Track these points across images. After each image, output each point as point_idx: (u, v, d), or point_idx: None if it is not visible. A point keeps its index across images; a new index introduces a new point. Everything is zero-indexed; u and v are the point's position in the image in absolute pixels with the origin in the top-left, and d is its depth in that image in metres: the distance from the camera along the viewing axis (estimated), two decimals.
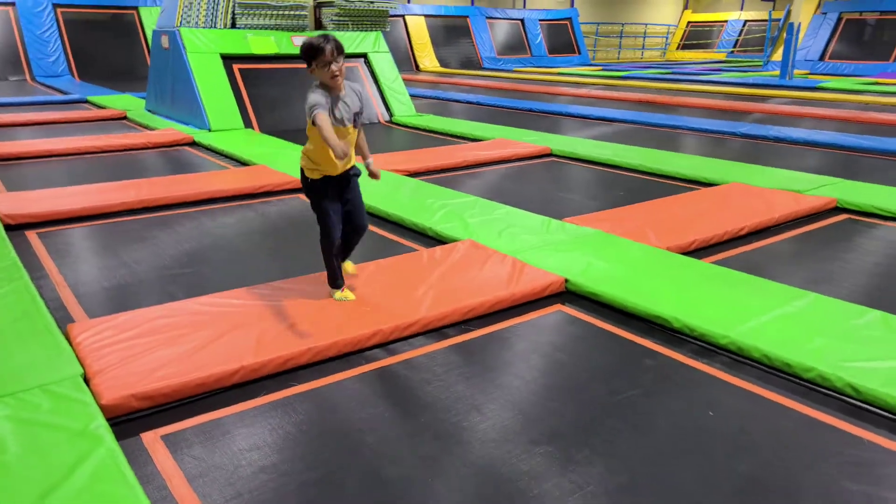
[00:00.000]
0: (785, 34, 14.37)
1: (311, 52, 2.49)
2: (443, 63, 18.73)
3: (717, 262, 3.47)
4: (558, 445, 1.95)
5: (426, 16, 18.93)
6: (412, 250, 3.59)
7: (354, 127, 2.69)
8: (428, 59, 18.56)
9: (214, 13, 8.07)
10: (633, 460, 1.90)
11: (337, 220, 2.72)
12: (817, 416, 2.12)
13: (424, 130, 8.10)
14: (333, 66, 2.49)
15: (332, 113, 2.55)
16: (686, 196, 4.62)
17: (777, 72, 15.23)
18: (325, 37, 2.50)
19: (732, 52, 24.55)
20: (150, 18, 14.48)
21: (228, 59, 7.96)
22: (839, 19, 17.80)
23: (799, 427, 2.07)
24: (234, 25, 8.27)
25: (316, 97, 2.49)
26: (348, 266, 3.01)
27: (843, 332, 2.51)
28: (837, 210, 4.53)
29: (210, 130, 7.35)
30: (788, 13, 14.18)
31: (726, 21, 25.36)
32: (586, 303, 2.97)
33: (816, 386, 2.26)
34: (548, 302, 2.98)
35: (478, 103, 11.14)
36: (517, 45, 20.31)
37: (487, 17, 20.00)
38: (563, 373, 2.41)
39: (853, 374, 2.22)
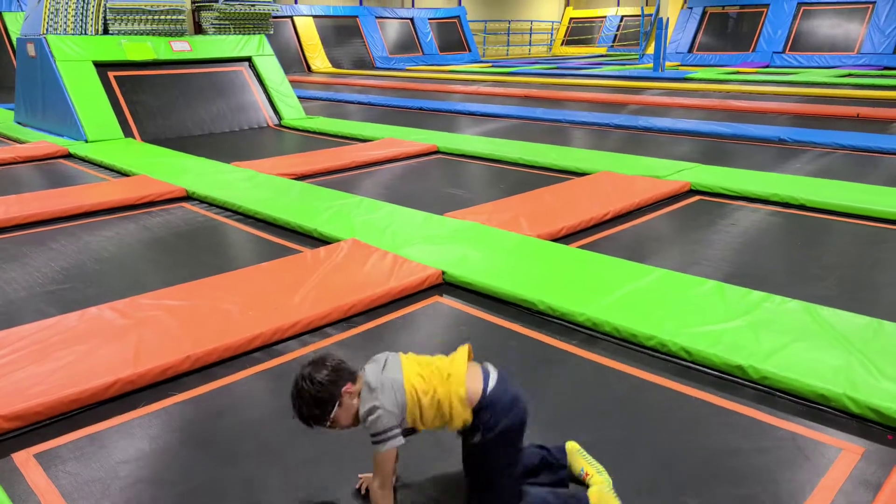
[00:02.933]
0: (655, 29, 15.40)
1: None
2: (335, 63, 18.61)
3: (583, 247, 3.78)
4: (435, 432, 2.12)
5: (315, 16, 18.73)
6: (298, 252, 3.66)
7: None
8: (319, 59, 18.39)
9: (84, 19, 7.68)
10: None
11: None
12: (655, 380, 2.41)
13: (314, 133, 8.10)
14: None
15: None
16: (558, 186, 4.95)
17: (651, 64, 16.30)
18: (294, 408, 1.69)
19: (612, 46, 25.93)
20: (15, 24, 13.46)
21: (103, 67, 7.60)
22: (704, 13, 19.25)
23: (638, 391, 2.34)
24: (106, 31, 7.91)
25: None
26: None
27: (682, 302, 2.84)
28: (691, 192, 5.01)
29: (87, 141, 7.01)
30: (658, 9, 15.20)
31: (605, 17, 26.75)
32: (462, 293, 3.17)
33: (657, 352, 2.56)
34: (426, 294, 3.16)
35: (370, 104, 11.22)
36: (408, 44, 20.52)
37: (377, 17, 20.06)
38: None
39: (687, 338, 2.53)
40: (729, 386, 2.33)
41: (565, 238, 3.94)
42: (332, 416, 1.61)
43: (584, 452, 1.84)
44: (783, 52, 17.24)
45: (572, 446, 1.85)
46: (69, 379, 2.26)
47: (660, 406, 2.24)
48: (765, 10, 17.90)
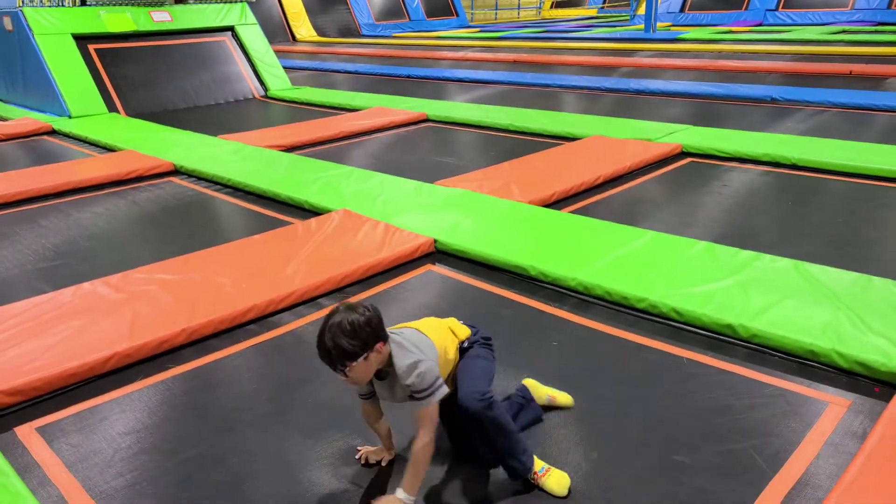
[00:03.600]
0: None
1: None
2: (320, 32, 18.26)
3: (575, 211, 3.79)
4: None
5: None
6: (289, 224, 3.64)
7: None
8: (304, 28, 18.03)
9: None
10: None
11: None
12: (647, 341, 2.43)
13: (301, 104, 8.00)
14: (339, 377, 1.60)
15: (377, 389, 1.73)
16: (550, 151, 4.93)
17: (643, 25, 16.08)
18: (321, 338, 1.58)
19: (603, 7, 25.54)
20: None
21: (82, 40, 7.45)
22: None
23: (630, 353, 2.37)
24: (83, 3, 7.72)
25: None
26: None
27: (673, 264, 2.86)
28: (683, 154, 5.00)
29: (70, 117, 6.91)
30: None
31: None
32: (454, 260, 3.18)
33: (648, 314, 2.59)
34: (419, 263, 3.16)
35: (357, 72, 11.06)
36: (395, 11, 20.12)
37: None
38: None
39: (677, 299, 2.55)
40: (719, 345, 2.36)
41: (557, 203, 3.94)
42: (361, 359, 1.54)
43: (538, 383, 2.04)
44: (776, 9, 17.01)
45: (529, 382, 2.03)
46: (67, 353, 2.27)
47: (651, 367, 2.27)
48: None
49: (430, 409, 1.59)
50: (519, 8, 27.01)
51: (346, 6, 19.13)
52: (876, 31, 13.04)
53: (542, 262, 2.93)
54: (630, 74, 9.58)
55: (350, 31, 18.85)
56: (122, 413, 2.11)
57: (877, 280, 2.61)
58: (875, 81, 7.95)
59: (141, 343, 2.36)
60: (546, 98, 7.90)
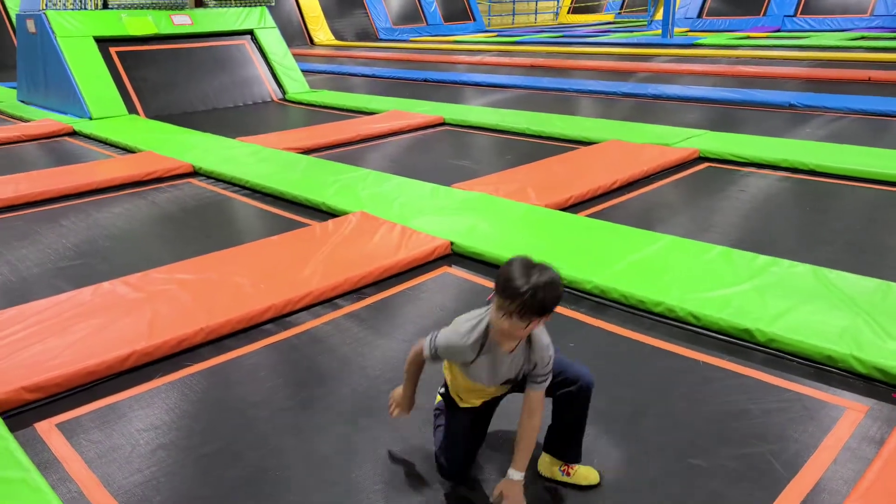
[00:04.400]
0: None
1: (499, 281, 1.48)
2: (338, 36, 18.39)
3: (592, 215, 3.78)
4: None
5: None
6: (306, 226, 3.68)
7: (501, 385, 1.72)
8: (322, 32, 18.17)
9: None
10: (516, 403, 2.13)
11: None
12: (664, 345, 2.42)
13: (318, 106, 8.06)
14: (510, 321, 1.47)
15: (468, 361, 1.63)
16: (566, 155, 4.93)
17: (660, 31, 16.02)
18: (533, 271, 1.45)
19: (620, 13, 25.47)
20: (14, 2, 13.35)
21: (104, 42, 7.56)
22: None
23: (647, 357, 2.37)
24: (105, 6, 7.85)
25: (461, 333, 1.59)
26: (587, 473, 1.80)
27: (690, 268, 2.85)
28: (700, 160, 4.98)
29: (91, 119, 7.01)
30: None
31: None
32: (471, 263, 3.19)
33: (665, 318, 2.58)
34: (436, 265, 3.18)
35: (375, 76, 11.12)
36: (412, 15, 20.21)
37: None
38: None
39: (694, 304, 2.55)
40: (737, 350, 2.34)
41: (574, 207, 3.93)
42: (534, 321, 1.48)
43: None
44: (794, 15, 16.87)
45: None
46: (86, 351, 2.31)
47: (668, 371, 2.26)
48: None
49: (541, 394, 1.64)
50: (536, 13, 27.01)
51: (363, 10, 19.24)
52: (895, 38, 12.90)
53: (559, 264, 2.90)
54: (647, 79, 9.54)
55: (368, 34, 18.96)
56: (141, 410, 2.14)
57: (894, 286, 2.58)
58: (894, 88, 7.86)
59: (160, 342, 2.39)
60: (563, 102, 7.89)
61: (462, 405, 1.75)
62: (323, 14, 18.37)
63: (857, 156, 4.60)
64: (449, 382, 1.78)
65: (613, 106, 7.59)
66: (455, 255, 3.26)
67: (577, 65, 11.28)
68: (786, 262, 2.84)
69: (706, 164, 4.87)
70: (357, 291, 2.92)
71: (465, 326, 1.60)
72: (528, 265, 1.46)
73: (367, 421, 2.03)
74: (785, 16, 16.91)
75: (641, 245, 3.11)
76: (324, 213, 3.97)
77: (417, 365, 1.76)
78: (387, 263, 3.03)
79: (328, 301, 2.83)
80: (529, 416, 1.62)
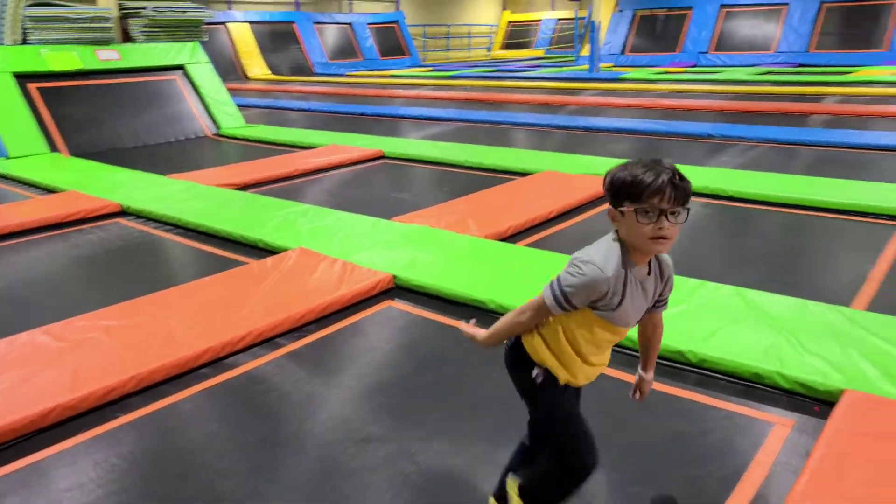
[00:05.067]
0: (589, 31, 15.82)
1: (629, 188, 1.33)
2: (273, 70, 18.33)
3: (531, 245, 3.87)
4: (391, 437, 2.13)
5: (250, 22, 18.40)
6: (243, 264, 3.60)
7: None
8: (257, 67, 18.06)
9: None
10: (470, 436, 2.13)
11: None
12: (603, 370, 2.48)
13: (255, 141, 7.97)
14: (664, 221, 1.33)
15: (615, 303, 1.40)
16: (504, 186, 5.04)
17: (587, 66, 16.72)
18: (656, 165, 1.34)
19: (549, 49, 26.48)
20: None
21: (23, 78, 7.27)
22: (634, 16, 19.87)
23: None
24: (25, 41, 7.56)
25: (596, 265, 1.37)
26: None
27: None
28: None
29: (8, 158, 6.69)
30: (590, 12, 15.61)
31: (541, 20, 27.28)
32: (414, 296, 3.19)
33: None
34: (378, 299, 3.16)
35: (312, 110, 11.11)
36: (348, 50, 20.39)
37: (315, 23, 19.85)
38: (394, 366, 2.59)
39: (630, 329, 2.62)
40: (672, 372, 2.43)
41: (513, 237, 4.01)
42: (684, 212, 1.36)
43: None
44: (708, 52, 17.98)
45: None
46: (4, 408, 2.16)
47: (607, 397, 2.31)
48: (689, 12, 18.62)
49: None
50: (470, 48, 27.74)
51: (298, 45, 19.27)
52: (798, 72, 13.89)
53: (500, 294, 2.97)
54: (577, 112, 9.91)
55: (303, 69, 18.96)
56: (66, 468, 2.01)
57: (811, 304, 2.75)
58: (801, 118, 8.45)
59: (85, 393, 2.27)
60: (498, 135, 8.09)
61: (577, 382, 1.53)
62: (257, 48, 18.29)
63: (771, 182, 4.91)
64: (556, 360, 1.47)
65: (547, 138, 7.84)
66: (398, 289, 3.26)
67: (510, 98, 11.62)
68: (712, 284, 2.98)
69: None
70: (298, 329, 2.87)
71: (596, 258, 1.35)
72: (643, 161, 1.34)
73: (313, 460, 1.98)
74: (699, 52, 17.99)
75: None
76: (262, 251, 3.90)
77: (527, 325, 1.46)
78: (328, 299, 2.99)
79: (268, 341, 2.77)
80: (656, 329, 1.64)
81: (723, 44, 17.97)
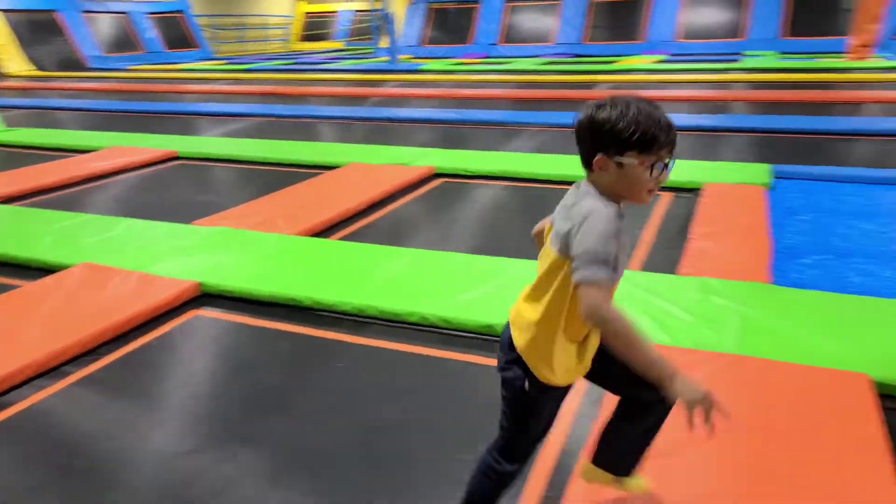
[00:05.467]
0: (385, 23, 16.07)
1: (641, 135, 1.20)
2: (38, 66, 16.07)
3: (344, 238, 3.86)
4: (214, 447, 2.02)
5: (3, 10, 15.91)
6: (15, 288, 3.14)
7: None
8: (14, 62, 15.71)
9: None
10: (290, 438, 2.07)
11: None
12: (422, 350, 2.58)
13: (19, 147, 6.94)
14: (665, 172, 1.25)
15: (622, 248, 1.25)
16: (310, 182, 4.96)
17: (387, 58, 16.99)
18: (655, 110, 1.22)
19: (349, 41, 26.44)
20: None
21: None
22: (428, 8, 20.58)
23: (408, 364, 2.50)
24: None
25: (614, 223, 1.22)
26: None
27: (438, 277, 3.07)
28: (436, 176, 5.40)
29: None
30: (385, 4, 15.85)
31: (337, 12, 27.11)
32: (223, 301, 3.03)
33: (420, 326, 2.74)
34: (183, 309, 2.95)
35: (89, 109, 9.95)
36: (126, 42, 18.54)
37: (83, 11, 17.74)
38: (208, 376, 2.45)
39: (444, 309, 2.75)
40: (486, 344, 2.59)
41: (324, 232, 3.97)
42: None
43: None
44: (497, 43, 19.25)
45: None
46: None
47: (431, 374, 2.41)
48: (477, 6, 19.74)
49: None
50: (267, 41, 26.69)
51: (63, 36, 17.08)
52: (575, 62, 15.44)
53: (315, 290, 2.94)
54: (380, 104, 10.04)
55: (74, 64, 16.87)
56: None
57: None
58: (578, 104, 9.37)
59: None
60: (301, 129, 7.92)
61: (568, 380, 1.38)
62: (15, 40, 15.90)
63: (561, 163, 5.42)
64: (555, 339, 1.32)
65: (351, 130, 7.84)
66: (205, 296, 3.07)
67: (312, 91, 11.42)
68: (516, 260, 3.23)
69: (442, 180, 5.30)
70: (92, 352, 2.58)
71: (605, 214, 1.21)
72: (635, 103, 1.21)
73: (133, 489, 1.81)
74: (489, 44, 19.19)
75: (392, 261, 3.26)
76: (38, 271, 3.42)
77: (626, 327, 1.19)
78: (124, 316, 2.73)
79: (55, 370, 2.45)
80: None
81: (510, 36, 19.33)
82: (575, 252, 1.23)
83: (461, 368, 2.44)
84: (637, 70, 12.93)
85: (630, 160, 1.22)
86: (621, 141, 1.21)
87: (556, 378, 1.36)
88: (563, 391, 1.41)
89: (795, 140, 6.35)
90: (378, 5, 16.96)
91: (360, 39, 26.13)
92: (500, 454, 1.47)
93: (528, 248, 3.67)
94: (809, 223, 3.82)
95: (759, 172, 4.76)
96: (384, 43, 19.19)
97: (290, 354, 2.58)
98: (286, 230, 3.79)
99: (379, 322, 2.79)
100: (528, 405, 1.39)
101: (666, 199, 4.49)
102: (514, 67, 14.31)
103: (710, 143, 6.34)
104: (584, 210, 1.25)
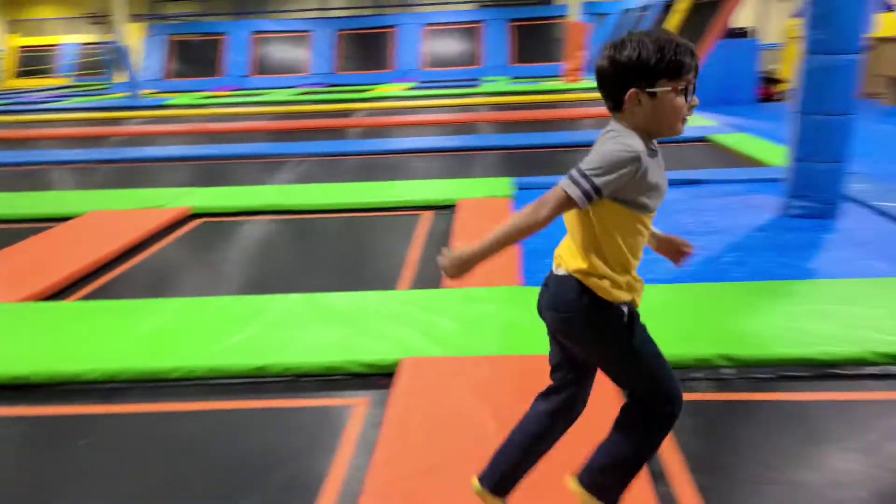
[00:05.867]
0: (118, 57, 14.71)
1: (667, 64, 1.23)
2: None
3: (88, 296, 3.43)
4: None
5: None
6: None
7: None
8: None
9: None
10: None
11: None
12: (190, 406, 2.39)
13: None
14: (695, 100, 1.28)
15: (646, 185, 1.30)
16: (39, 237, 4.31)
17: (128, 93, 15.54)
18: (671, 35, 1.25)
19: (77, 75, 23.65)
20: None
21: None
22: (169, 41, 19.32)
23: (174, 424, 2.29)
24: None
25: (625, 153, 1.24)
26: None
27: (204, 325, 2.87)
28: (194, 216, 5.05)
29: None
30: (118, 37, 14.51)
31: (59, 45, 24.14)
32: None
33: (187, 380, 2.52)
34: None
35: None
36: None
37: None
38: None
39: (211, 358, 2.57)
40: (257, 386, 2.48)
41: (60, 294, 3.48)
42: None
43: None
44: (249, 75, 18.78)
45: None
46: None
47: (199, 433, 2.23)
48: (222, 37, 19.08)
49: None
50: None
51: None
52: (330, 91, 15.68)
53: (51, 363, 2.56)
54: (124, 143, 9.14)
55: None
56: None
57: (368, 294, 3.16)
58: (337, 132, 9.53)
59: None
60: (26, 178, 6.86)
61: (626, 297, 1.37)
62: None
63: (324, 192, 5.43)
64: (611, 262, 1.36)
65: (89, 175, 7.01)
66: None
67: (36, 134, 9.99)
68: (283, 296, 3.15)
69: (202, 220, 4.98)
70: None
71: (618, 142, 1.26)
72: (654, 35, 1.25)
73: None
74: (241, 76, 18.66)
75: (148, 315, 2.97)
76: None
77: (542, 225, 1.31)
78: None
79: None
80: None
81: (263, 67, 19.00)
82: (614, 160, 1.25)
83: (229, 416, 2.31)
84: (390, 97, 13.54)
85: (663, 88, 1.25)
86: (651, 70, 1.24)
87: (617, 291, 1.36)
88: (634, 312, 1.40)
89: (531, 154, 7.19)
90: (109, 37, 15.47)
91: (90, 74, 23.48)
92: (654, 401, 1.40)
93: (299, 279, 3.62)
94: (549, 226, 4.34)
95: (504, 185, 5.29)
96: (121, 77, 17.54)
97: (21, 440, 2.21)
98: (7, 297, 3.24)
99: (139, 384, 2.52)
100: (611, 324, 1.37)
101: (427, 217, 4.75)
102: (270, 99, 14.07)
103: (461, 161, 6.89)
104: (606, 136, 1.30)
